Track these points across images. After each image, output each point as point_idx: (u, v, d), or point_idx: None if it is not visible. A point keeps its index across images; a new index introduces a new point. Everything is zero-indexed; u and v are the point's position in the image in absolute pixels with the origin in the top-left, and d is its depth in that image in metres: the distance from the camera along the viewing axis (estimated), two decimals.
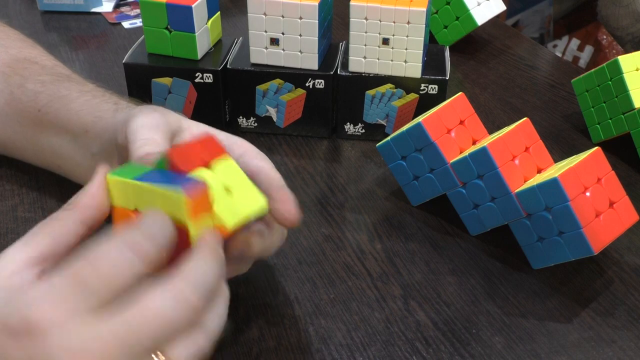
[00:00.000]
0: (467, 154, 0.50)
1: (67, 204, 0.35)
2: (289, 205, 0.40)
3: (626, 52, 0.97)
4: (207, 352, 0.32)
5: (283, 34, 0.60)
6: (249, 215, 0.37)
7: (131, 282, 0.30)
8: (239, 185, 0.37)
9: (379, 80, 0.61)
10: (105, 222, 0.36)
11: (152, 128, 0.41)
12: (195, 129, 0.44)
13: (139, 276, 0.31)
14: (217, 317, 0.33)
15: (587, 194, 0.46)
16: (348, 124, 0.64)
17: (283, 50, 0.61)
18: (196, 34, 0.61)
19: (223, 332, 0.34)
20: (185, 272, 0.32)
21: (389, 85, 0.61)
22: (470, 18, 0.78)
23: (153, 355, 0.30)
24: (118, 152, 0.45)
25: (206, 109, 0.64)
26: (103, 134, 0.48)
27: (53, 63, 0.58)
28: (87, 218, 0.34)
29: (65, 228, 0.33)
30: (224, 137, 0.43)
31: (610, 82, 0.62)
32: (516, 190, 0.48)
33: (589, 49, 1.46)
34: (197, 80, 0.62)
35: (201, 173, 0.36)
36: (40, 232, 0.33)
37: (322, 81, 0.62)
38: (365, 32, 0.60)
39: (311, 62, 0.61)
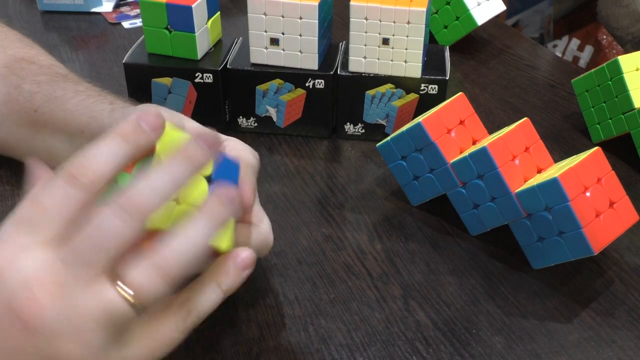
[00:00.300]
0: (467, 154, 0.50)
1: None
2: (246, 190, 0.40)
3: (626, 52, 0.97)
4: (173, 273, 0.32)
5: (283, 34, 0.60)
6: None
7: (74, 211, 0.31)
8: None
9: (379, 80, 0.61)
10: None
11: None
12: (195, 132, 0.44)
13: (80, 204, 0.31)
14: (181, 239, 0.33)
15: (587, 194, 0.46)
16: (348, 124, 0.64)
17: (283, 50, 0.61)
18: (196, 34, 0.61)
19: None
20: (135, 183, 0.32)
21: (389, 85, 0.61)
22: (470, 18, 0.78)
23: (112, 277, 0.31)
24: None
25: (206, 109, 0.64)
26: (99, 134, 0.48)
27: (50, 62, 0.58)
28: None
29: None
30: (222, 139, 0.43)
31: (610, 82, 0.62)
32: (516, 190, 0.48)
33: (589, 49, 1.46)
34: (197, 80, 0.62)
35: None
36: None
37: (322, 81, 0.61)
38: (365, 32, 0.60)
39: (311, 62, 0.61)
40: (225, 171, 0.37)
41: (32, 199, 0.32)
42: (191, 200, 0.35)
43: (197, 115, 0.64)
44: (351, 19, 0.59)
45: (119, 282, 0.31)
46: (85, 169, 0.32)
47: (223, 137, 0.43)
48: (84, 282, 0.31)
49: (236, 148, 0.44)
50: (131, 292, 0.31)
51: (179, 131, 0.36)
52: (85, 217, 0.31)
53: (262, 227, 0.43)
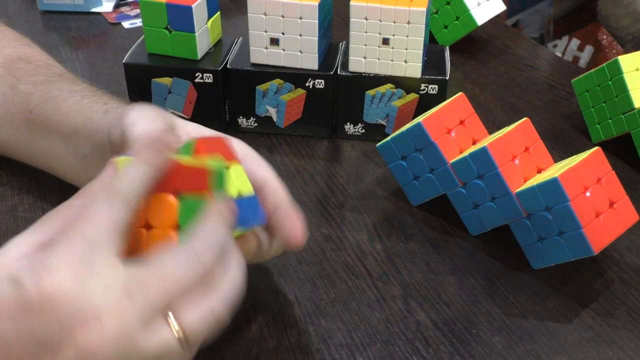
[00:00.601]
0: (467, 154, 0.50)
1: (77, 193, 0.35)
2: (296, 228, 0.41)
3: (626, 52, 0.97)
4: (223, 317, 0.33)
5: (283, 34, 0.60)
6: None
7: (126, 229, 0.33)
8: (246, 193, 0.38)
9: (379, 80, 0.61)
10: None
11: (150, 119, 0.41)
12: (190, 128, 0.44)
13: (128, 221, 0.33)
14: (230, 279, 0.34)
15: (587, 194, 0.46)
16: (348, 124, 0.64)
17: (283, 50, 0.61)
18: (196, 34, 0.61)
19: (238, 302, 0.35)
20: (195, 232, 0.33)
21: (389, 85, 0.61)
22: (470, 18, 0.78)
23: (167, 318, 0.32)
24: (111, 151, 0.45)
25: (206, 109, 0.64)
26: (93, 135, 0.48)
27: (47, 62, 0.58)
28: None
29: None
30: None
31: (610, 82, 0.62)
32: (516, 190, 0.48)
33: (589, 49, 1.46)
34: (197, 80, 0.62)
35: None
36: (50, 218, 0.34)
37: (322, 81, 0.61)
38: (365, 32, 0.60)
39: (311, 62, 0.61)
40: (248, 212, 0.38)
41: (89, 218, 0.32)
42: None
43: (197, 115, 0.64)
44: (351, 19, 0.59)
45: (174, 322, 0.32)
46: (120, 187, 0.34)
47: (231, 140, 0.43)
48: (146, 319, 0.31)
49: (247, 155, 0.43)
50: (182, 333, 0.32)
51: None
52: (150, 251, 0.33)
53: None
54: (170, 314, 0.32)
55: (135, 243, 0.35)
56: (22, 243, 0.32)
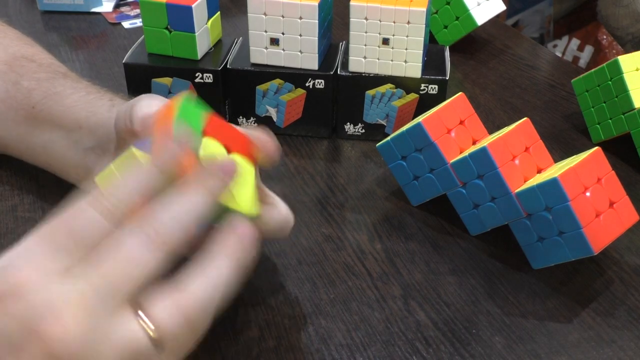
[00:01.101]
0: (467, 154, 0.50)
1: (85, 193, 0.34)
2: (266, 142, 0.41)
3: (626, 52, 0.97)
4: (195, 320, 0.31)
5: (283, 34, 0.60)
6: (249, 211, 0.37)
7: (100, 236, 0.31)
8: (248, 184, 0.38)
9: (379, 80, 0.61)
10: None
11: (160, 105, 0.41)
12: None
13: (107, 230, 0.31)
14: (208, 275, 0.32)
15: (587, 194, 0.46)
16: (348, 124, 0.64)
17: (283, 50, 0.61)
18: (196, 34, 0.61)
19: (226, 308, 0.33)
20: (157, 213, 0.32)
21: (389, 85, 0.61)
22: (470, 18, 0.78)
23: (135, 310, 0.30)
24: (118, 142, 0.45)
25: None
26: (97, 129, 0.48)
27: (50, 61, 0.58)
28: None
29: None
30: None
31: (610, 82, 0.62)
32: (516, 190, 0.48)
33: (589, 49, 1.46)
34: (197, 80, 0.62)
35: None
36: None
37: (322, 81, 0.61)
38: (365, 32, 0.60)
39: (311, 62, 0.61)
40: None
41: (60, 220, 0.31)
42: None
43: None
44: (351, 19, 0.59)
45: (142, 315, 0.30)
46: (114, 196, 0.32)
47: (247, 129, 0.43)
48: (111, 310, 0.30)
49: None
50: (152, 327, 0.30)
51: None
52: (108, 241, 0.31)
53: (280, 206, 0.42)
54: (139, 310, 0.30)
55: None
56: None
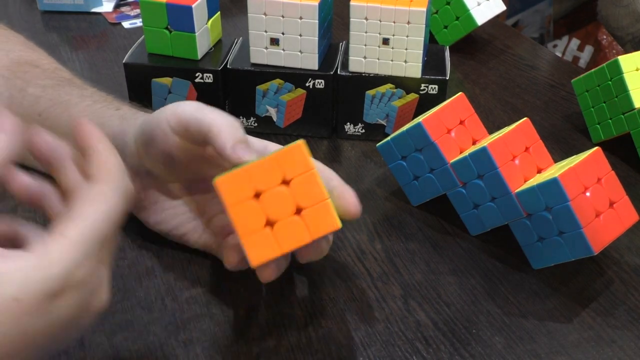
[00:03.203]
0: (467, 154, 0.50)
1: None
2: (350, 199, 0.42)
3: (626, 52, 0.97)
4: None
5: (283, 34, 0.60)
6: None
7: None
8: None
9: (379, 80, 0.61)
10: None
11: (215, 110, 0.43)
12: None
13: None
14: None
15: (587, 194, 0.46)
16: (348, 124, 0.64)
17: (283, 50, 0.61)
18: (196, 34, 0.61)
19: None
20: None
21: (389, 85, 0.61)
22: (470, 18, 0.78)
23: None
24: (133, 155, 0.45)
25: None
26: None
27: (54, 66, 0.58)
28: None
29: None
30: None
31: (610, 82, 0.62)
32: (516, 190, 0.48)
33: (589, 49, 1.46)
34: (197, 80, 0.62)
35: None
36: None
37: (322, 81, 0.62)
38: (365, 32, 0.60)
39: (311, 62, 0.61)
40: None
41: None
42: None
43: None
44: (351, 19, 0.59)
45: None
46: None
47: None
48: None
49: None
50: None
51: None
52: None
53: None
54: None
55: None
56: None
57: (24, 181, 0.38)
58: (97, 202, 0.33)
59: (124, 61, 0.62)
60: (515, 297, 0.48)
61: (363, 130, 0.64)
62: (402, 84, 0.61)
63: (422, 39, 0.59)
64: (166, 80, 0.62)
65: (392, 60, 0.60)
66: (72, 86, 0.53)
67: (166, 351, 0.43)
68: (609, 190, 0.47)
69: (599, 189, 0.47)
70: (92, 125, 0.36)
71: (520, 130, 0.50)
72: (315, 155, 0.62)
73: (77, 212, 0.33)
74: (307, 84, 0.62)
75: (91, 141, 0.36)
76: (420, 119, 0.52)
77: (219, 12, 0.65)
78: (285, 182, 0.39)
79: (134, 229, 0.52)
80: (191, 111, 0.42)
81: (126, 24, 0.88)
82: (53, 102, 0.52)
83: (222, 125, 0.41)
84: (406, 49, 0.60)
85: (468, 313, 0.46)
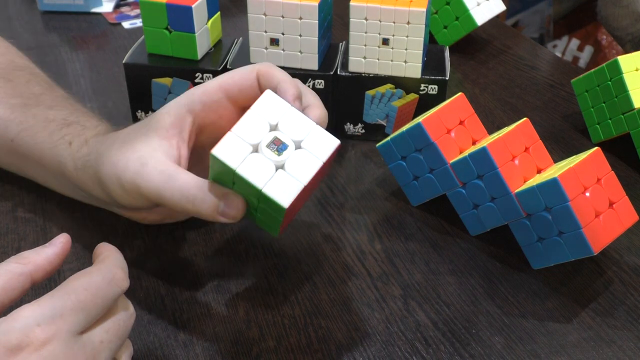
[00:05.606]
0: (467, 154, 0.50)
1: (20, 257, 0.35)
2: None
3: (626, 52, 0.97)
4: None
5: (283, 34, 0.60)
6: None
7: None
8: None
9: (378, 80, 0.61)
10: None
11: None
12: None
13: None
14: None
15: (587, 194, 0.46)
16: (348, 124, 0.64)
17: (283, 50, 0.61)
18: (196, 34, 0.61)
19: None
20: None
21: (388, 86, 0.61)
22: (470, 18, 0.78)
23: None
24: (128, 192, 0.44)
25: None
26: (67, 184, 0.50)
27: (27, 77, 0.56)
28: (37, 278, 0.35)
29: (16, 282, 0.34)
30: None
31: (610, 82, 0.62)
32: (516, 191, 0.48)
33: (588, 49, 1.46)
34: (197, 80, 0.62)
35: None
36: None
37: (322, 81, 0.62)
38: (365, 33, 0.60)
39: (311, 62, 0.61)
40: None
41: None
42: None
43: None
44: (351, 19, 0.60)
45: None
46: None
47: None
48: None
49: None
50: None
51: None
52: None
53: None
54: None
55: None
56: None
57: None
58: (78, 275, 0.35)
59: (124, 61, 0.62)
60: (515, 297, 0.48)
61: (363, 131, 0.64)
62: (402, 84, 0.61)
63: (422, 39, 0.59)
64: (166, 81, 0.62)
65: (392, 61, 0.60)
66: (39, 106, 0.52)
67: (166, 351, 0.43)
68: (609, 190, 0.47)
69: (599, 189, 0.47)
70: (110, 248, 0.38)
71: (520, 130, 0.50)
72: None
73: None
74: (307, 84, 0.62)
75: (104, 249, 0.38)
76: (420, 119, 0.52)
77: (219, 13, 0.65)
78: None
79: (133, 229, 0.52)
80: (156, 184, 0.42)
81: (126, 24, 0.88)
82: (21, 127, 0.51)
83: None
84: (406, 49, 0.60)
85: (468, 313, 0.46)
